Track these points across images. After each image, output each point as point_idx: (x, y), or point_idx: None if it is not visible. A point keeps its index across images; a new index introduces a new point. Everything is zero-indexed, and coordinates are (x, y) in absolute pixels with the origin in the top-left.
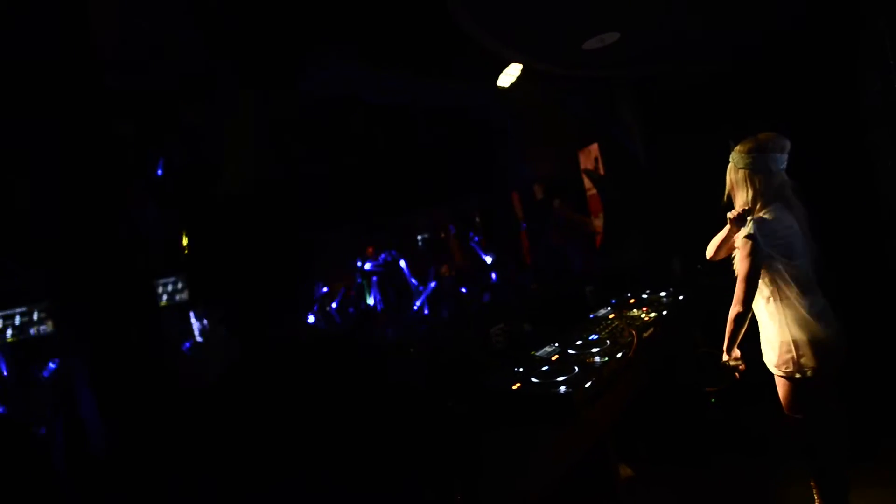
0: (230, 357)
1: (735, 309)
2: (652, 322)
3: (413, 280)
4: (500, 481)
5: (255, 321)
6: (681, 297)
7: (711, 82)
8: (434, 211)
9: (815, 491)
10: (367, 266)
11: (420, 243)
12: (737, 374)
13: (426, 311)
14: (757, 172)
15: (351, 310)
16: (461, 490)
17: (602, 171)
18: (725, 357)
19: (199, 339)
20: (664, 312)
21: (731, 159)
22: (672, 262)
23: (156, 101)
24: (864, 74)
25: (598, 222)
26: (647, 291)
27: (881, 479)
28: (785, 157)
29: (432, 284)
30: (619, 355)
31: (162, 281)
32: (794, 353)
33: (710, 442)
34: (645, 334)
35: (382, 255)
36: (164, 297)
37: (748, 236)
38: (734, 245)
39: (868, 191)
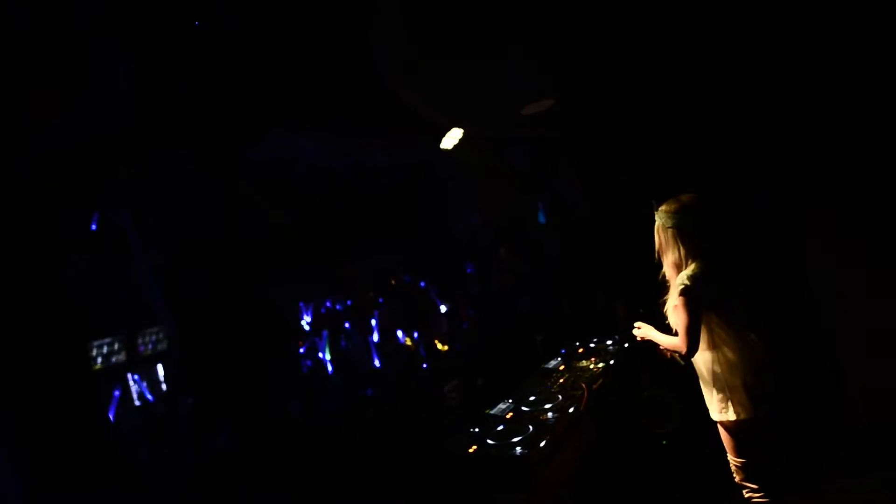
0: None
1: (686, 353)
2: (600, 373)
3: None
4: None
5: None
6: (626, 345)
7: (648, 134)
8: (383, 258)
9: None
10: (307, 320)
11: (370, 292)
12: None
13: (377, 366)
14: (684, 231)
15: (306, 366)
16: None
17: (545, 221)
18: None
19: (136, 403)
20: (611, 361)
21: (658, 219)
22: (616, 310)
23: (89, 159)
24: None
25: (542, 271)
26: (595, 340)
27: None
28: (707, 215)
29: (376, 337)
30: (570, 410)
31: (97, 343)
32: (731, 399)
33: (666, 485)
34: (595, 386)
35: (337, 305)
36: (100, 359)
37: (685, 291)
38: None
39: (787, 244)
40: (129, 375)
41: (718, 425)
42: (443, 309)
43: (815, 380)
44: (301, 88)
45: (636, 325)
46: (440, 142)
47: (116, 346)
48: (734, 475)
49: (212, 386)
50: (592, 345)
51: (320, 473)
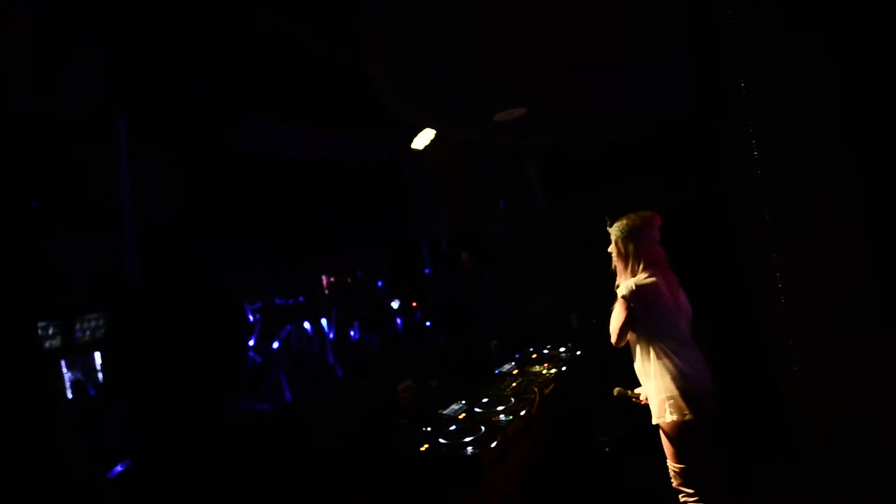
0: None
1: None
2: (553, 378)
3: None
4: None
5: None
6: (578, 353)
7: (609, 149)
8: (341, 256)
9: None
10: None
11: (325, 288)
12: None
13: (330, 361)
14: (639, 244)
15: (248, 363)
16: None
17: (507, 228)
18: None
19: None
20: (563, 368)
21: (613, 234)
22: (570, 318)
23: (48, 132)
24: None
25: (503, 277)
26: (548, 346)
27: None
28: (658, 231)
29: (331, 334)
30: (522, 413)
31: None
32: (673, 405)
33: (612, 488)
34: (546, 391)
35: (289, 301)
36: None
37: (624, 297)
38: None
39: (735, 255)
40: (63, 363)
41: (660, 430)
42: (395, 305)
43: (757, 389)
44: (277, 76)
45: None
46: (411, 142)
47: (51, 331)
48: (672, 480)
49: (149, 377)
50: (546, 351)
51: (266, 471)
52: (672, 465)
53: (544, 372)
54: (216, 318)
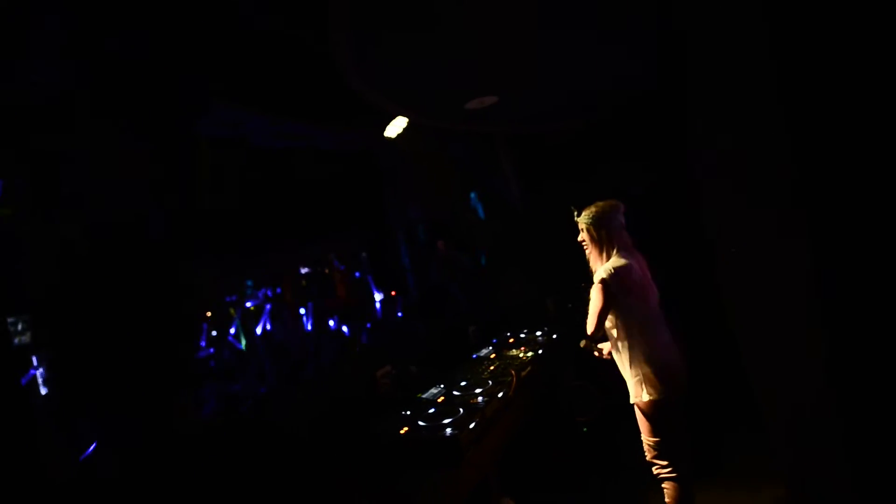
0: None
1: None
2: (529, 361)
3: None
4: None
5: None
6: (554, 336)
7: (580, 136)
8: (318, 246)
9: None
10: (248, 304)
11: (302, 280)
12: (596, 353)
13: (310, 350)
14: (610, 230)
15: (225, 353)
16: None
17: (483, 216)
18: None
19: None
20: (540, 351)
21: (582, 222)
22: (546, 303)
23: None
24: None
25: (478, 264)
26: (525, 331)
27: (723, 493)
28: (623, 217)
29: (310, 325)
30: (500, 395)
31: None
32: (646, 384)
33: (587, 466)
34: (523, 373)
35: (261, 292)
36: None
37: (602, 280)
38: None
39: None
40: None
41: (635, 408)
42: (378, 297)
43: (725, 368)
44: (248, 62)
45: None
46: (383, 130)
47: (20, 327)
48: (646, 454)
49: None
50: (523, 335)
51: (233, 465)
52: (647, 440)
53: (521, 355)
54: (159, 314)
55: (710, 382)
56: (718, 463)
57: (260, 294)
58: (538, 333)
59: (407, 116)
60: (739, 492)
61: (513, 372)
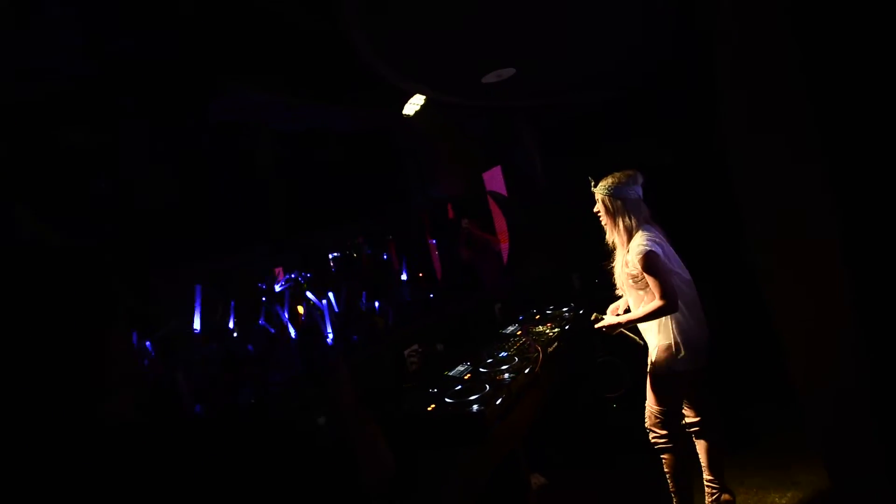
0: None
1: (662, 311)
2: (556, 337)
3: (321, 303)
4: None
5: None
6: (581, 312)
7: (604, 108)
8: (344, 230)
9: (668, 476)
10: (277, 287)
11: (331, 263)
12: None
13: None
14: (626, 201)
15: (258, 340)
16: None
17: (505, 193)
18: (609, 321)
19: None
20: (566, 327)
21: (600, 193)
22: (572, 279)
23: (34, 119)
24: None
25: (504, 241)
26: (551, 307)
27: (760, 465)
28: (641, 188)
29: (340, 308)
30: (526, 371)
31: None
32: (674, 354)
33: (614, 443)
34: (550, 349)
35: (292, 275)
36: None
37: (649, 252)
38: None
39: (730, 208)
40: None
41: (652, 377)
42: (405, 278)
43: (757, 342)
44: (264, 43)
45: (597, 320)
46: (402, 109)
47: None
48: (646, 420)
49: None
50: (549, 312)
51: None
52: (652, 407)
53: (548, 331)
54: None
55: (742, 356)
56: (750, 437)
57: (290, 278)
58: (564, 309)
59: (423, 93)
60: (770, 466)
61: (539, 348)
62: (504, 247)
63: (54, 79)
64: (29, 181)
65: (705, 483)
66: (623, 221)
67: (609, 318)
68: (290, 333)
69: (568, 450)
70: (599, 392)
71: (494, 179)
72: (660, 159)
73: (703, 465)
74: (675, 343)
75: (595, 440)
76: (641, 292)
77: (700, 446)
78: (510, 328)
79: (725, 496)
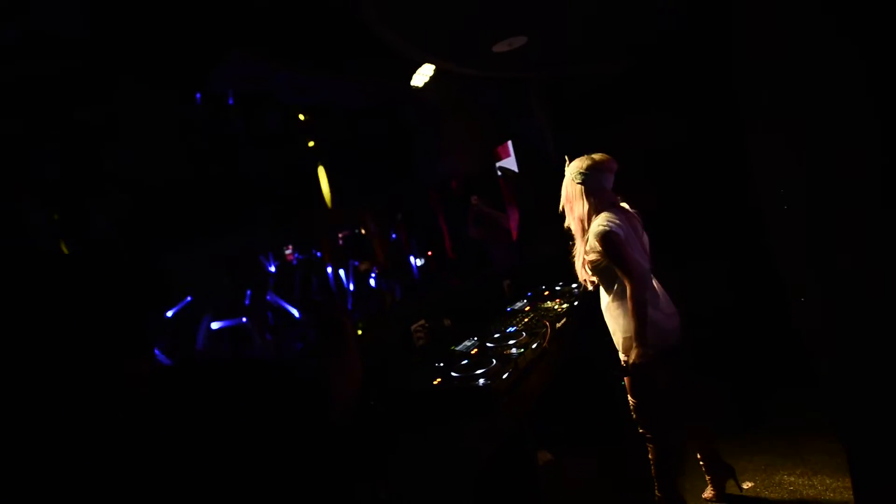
0: None
1: (636, 294)
2: (564, 313)
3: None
4: (424, 476)
5: None
6: (591, 288)
7: (618, 82)
8: (351, 209)
9: (651, 462)
10: (290, 263)
11: (340, 241)
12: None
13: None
14: (592, 187)
15: (269, 314)
16: (385, 487)
17: (516, 168)
18: (638, 353)
19: None
20: (575, 303)
21: (568, 173)
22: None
23: (45, 98)
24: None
25: (514, 217)
26: (560, 283)
27: (770, 444)
28: (613, 177)
29: (350, 285)
30: (534, 346)
31: None
32: (630, 342)
33: (621, 421)
34: (558, 325)
35: (301, 255)
36: None
37: (607, 232)
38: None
39: (745, 183)
40: None
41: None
42: (413, 256)
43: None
44: (264, 9)
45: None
46: (410, 81)
47: None
48: (631, 412)
49: None
50: (558, 288)
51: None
52: (630, 399)
53: (556, 307)
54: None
55: (755, 336)
56: (760, 416)
57: (300, 257)
58: (574, 286)
59: (432, 62)
60: (780, 444)
61: (547, 323)
62: (514, 224)
63: (55, 47)
64: (42, 159)
65: (699, 461)
66: (578, 208)
67: (631, 356)
68: (299, 308)
69: (575, 426)
70: (608, 370)
71: (505, 154)
72: (674, 135)
73: (696, 450)
74: (626, 332)
75: (602, 417)
76: (608, 277)
77: (689, 433)
78: (518, 304)
79: (721, 472)
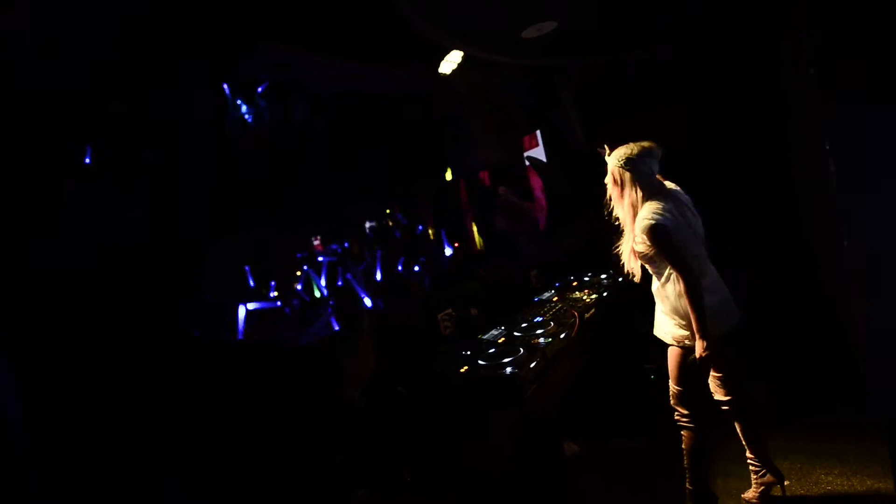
0: None
1: (690, 288)
2: (593, 303)
3: (357, 269)
4: (449, 462)
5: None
6: (620, 279)
7: (645, 70)
8: (381, 199)
9: (684, 451)
10: (320, 258)
11: (368, 231)
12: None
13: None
14: (636, 173)
15: (295, 302)
16: (410, 471)
17: (545, 158)
18: (703, 345)
19: None
20: (604, 294)
21: (611, 163)
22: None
23: (80, 93)
24: (778, 67)
25: (542, 207)
26: (589, 274)
27: (808, 440)
28: (657, 162)
29: (378, 275)
30: (562, 336)
31: None
32: (687, 330)
33: (650, 415)
34: (587, 315)
35: (333, 246)
36: None
37: (655, 225)
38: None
39: (783, 171)
40: None
41: (671, 352)
42: (440, 247)
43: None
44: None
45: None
46: (438, 69)
47: None
48: (671, 398)
49: None
50: (587, 278)
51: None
52: (672, 387)
53: (585, 298)
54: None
55: (791, 330)
56: (798, 411)
57: (332, 250)
58: (603, 276)
59: (461, 49)
60: (818, 441)
61: (575, 313)
62: (541, 214)
63: (85, 43)
64: (79, 153)
65: (748, 461)
66: (630, 195)
67: (696, 349)
68: (326, 299)
69: (603, 419)
70: (638, 362)
71: (533, 144)
72: (704, 128)
73: (744, 444)
74: (679, 317)
75: (632, 410)
76: (658, 264)
77: (736, 426)
78: (546, 294)
79: (769, 477)
